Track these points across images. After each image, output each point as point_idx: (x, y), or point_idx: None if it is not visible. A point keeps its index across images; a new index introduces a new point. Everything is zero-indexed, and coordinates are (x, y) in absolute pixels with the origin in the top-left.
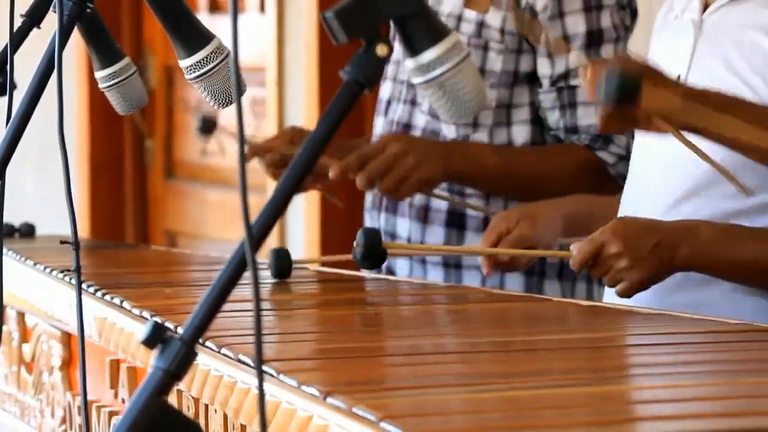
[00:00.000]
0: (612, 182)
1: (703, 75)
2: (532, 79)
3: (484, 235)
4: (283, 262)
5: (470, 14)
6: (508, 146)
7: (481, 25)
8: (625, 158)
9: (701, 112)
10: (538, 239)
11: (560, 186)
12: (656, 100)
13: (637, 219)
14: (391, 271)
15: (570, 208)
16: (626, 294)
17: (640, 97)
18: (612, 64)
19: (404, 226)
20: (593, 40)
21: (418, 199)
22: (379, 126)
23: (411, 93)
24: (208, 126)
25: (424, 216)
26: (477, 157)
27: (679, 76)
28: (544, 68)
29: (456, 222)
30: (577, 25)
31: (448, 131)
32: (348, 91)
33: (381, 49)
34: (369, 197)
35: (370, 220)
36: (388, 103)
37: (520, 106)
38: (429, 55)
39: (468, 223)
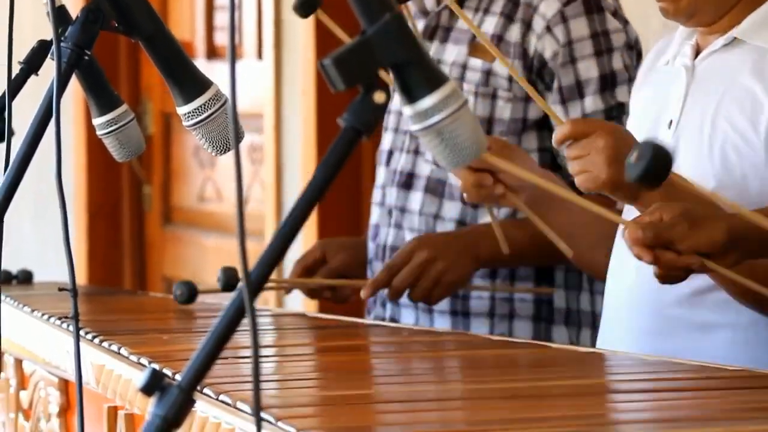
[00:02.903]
0: None
1: (694, 121)
2: (541, 125)
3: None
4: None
5: (476, 63)
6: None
7: (488, 73)
8: None
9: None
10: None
11: (590, 237)
12: (704, 239)
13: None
14: (395, 320)
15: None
16: (583, 184)
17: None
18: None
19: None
20: (607, 83)
21: None
22: (381, 176)
23: (414, 143)
24: (190, 295)
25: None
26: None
27: (671, 121)
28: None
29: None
30: (589, 70)
31: (455, 179)
32: (346, 138)
33: (379, 97)
34: (371, 248)
35: (370, 272)
36: (390, 153)
37: (529, 153)
38: (427, 102)
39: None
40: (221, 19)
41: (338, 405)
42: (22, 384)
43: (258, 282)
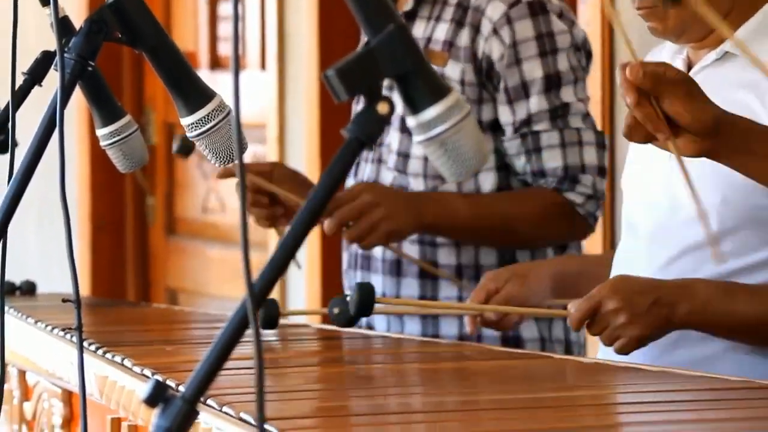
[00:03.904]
0: (582, 221)
1: None
2: (495, 127)
3: (473, 294)
4: (271, 312)
5: None
6: (477, 194)
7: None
8: (592, 197)
9: (730, 142)
10: (527, 299)
11: (531, 230)
12: (693, 112)
13: (634, 276)
14: (370, 325)
15: (559, 268)
16: (624, 351)
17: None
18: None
19: (378, 281)
20: (552, 83)
21: (390, 254)
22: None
23: (377, 152)
24: (187, 148)
25: (397, 270)
26: (448, 208)
27: None
28: (505, 116)
29: (431, 266)
30: (534, 70)
31: (416, 185)
32: (349, 149)
33: (382, 107)
34: (345, 258)
35: (347, 281)
36: (357, 164)
37: None
38: (430, 113)
39: (441, 268)
40: (225, 29)
41: (341, 416)
42: (25, 395)
43: (262, 293)
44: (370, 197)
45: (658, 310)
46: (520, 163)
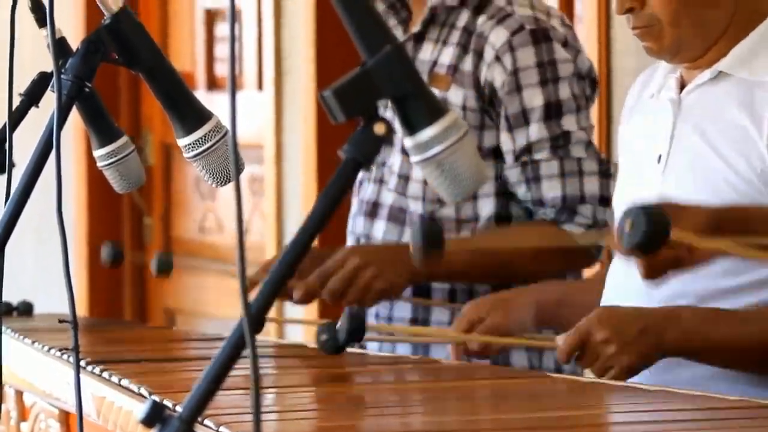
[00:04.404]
0: (582, 252)
1: (685, 154)
2: (496, 153)
3: (456, 322)
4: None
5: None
6: (472, 236)
7: (443, 102)
8: (591, 226)
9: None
10: (510, 327)
11: (530, 267)
12: (688, 224)
13: (619, 306)
14: (362, 345)
15: (542, 296)
16: (617, 380)
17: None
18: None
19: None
20: (551, 111)
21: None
22: (355, 205)
23: (379, 172)
24: (167, 266)
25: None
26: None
27: (660, 156)
28: (506, 143)
29: (424, 292)
30: (534, 98)
31: (415, 208)
32: (347, 169)
33: (379, 128)
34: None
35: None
36: (360, 183)
37: None
38: (427, 133)
39: (433, 294)
40: (222, 50)
41: None
42: (22, 416)
43: (258, 313)
44: (358, 260)
45: (646, 338)
46: (521, 191)
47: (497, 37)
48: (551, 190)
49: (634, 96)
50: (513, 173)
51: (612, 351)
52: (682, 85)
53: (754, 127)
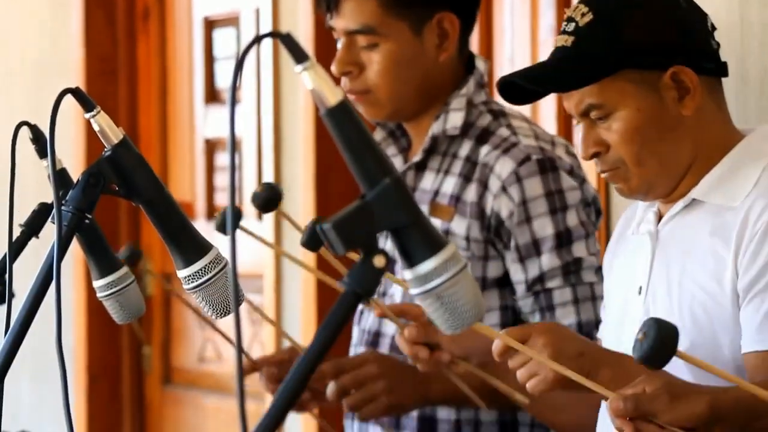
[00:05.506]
0: None
1: (662, 285)
2: (502, 283)
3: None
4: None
5: (435, 222)
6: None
7: (446, 233)
8: None
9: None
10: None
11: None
12: (687, 413)
13: (573, 332)
14: None
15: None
16: (535, 388)
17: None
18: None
19: None
20: (563, 240)
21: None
22: (355, 335)
23: (381, 301)
24: (134, 258)
25: (396, 422)
26: (457, 388)
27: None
28: (517, 274)
29: (427, 427)
30: (545, 228)
31: None
32: (346, 301)
33: (378, 260)
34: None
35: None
36: (361, 313)
37: (490, 311)
38: (427, 266)
39: (439, 427)
40: (222, 179)
41: None
42: None
43: None
44: (375, 369)
45: (582, 361)
46: (534, 320)
47: (503, 167)
48: (566, 317)
49: (620, 230)
50: (526, 303)
51: (546, 354)
52: (660, 217)
53: (726, 249)
